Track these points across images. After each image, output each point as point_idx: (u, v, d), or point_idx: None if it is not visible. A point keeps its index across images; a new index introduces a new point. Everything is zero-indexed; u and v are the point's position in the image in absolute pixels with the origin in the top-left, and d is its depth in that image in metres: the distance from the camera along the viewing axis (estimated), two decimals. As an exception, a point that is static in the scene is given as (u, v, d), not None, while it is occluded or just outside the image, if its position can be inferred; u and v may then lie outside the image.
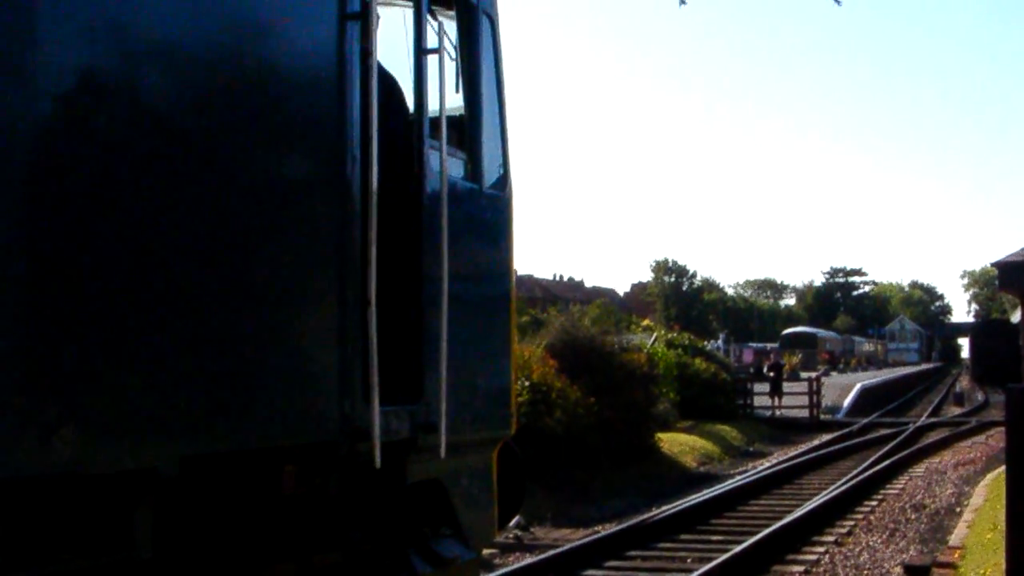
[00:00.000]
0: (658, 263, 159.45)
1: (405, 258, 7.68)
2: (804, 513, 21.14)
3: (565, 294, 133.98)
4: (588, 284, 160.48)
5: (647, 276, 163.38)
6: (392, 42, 8.08)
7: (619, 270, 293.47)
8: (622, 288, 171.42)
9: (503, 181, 9.09)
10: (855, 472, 28.38)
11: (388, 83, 7.97)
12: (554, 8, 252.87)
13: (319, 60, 6.80)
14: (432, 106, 7.84)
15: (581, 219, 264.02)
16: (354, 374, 6.81)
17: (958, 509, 22.97)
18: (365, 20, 7.05)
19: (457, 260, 7.91)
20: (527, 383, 25.91)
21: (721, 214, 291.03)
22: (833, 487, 25.34)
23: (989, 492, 23.44)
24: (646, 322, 64.91)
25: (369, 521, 7.77)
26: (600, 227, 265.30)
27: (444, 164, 7.73)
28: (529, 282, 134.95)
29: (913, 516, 22.43)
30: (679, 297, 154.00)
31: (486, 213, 8.82)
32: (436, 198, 7.70)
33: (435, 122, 7.77)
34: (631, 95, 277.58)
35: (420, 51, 7.83)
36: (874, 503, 24.19)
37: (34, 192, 4.82)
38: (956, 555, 17.01)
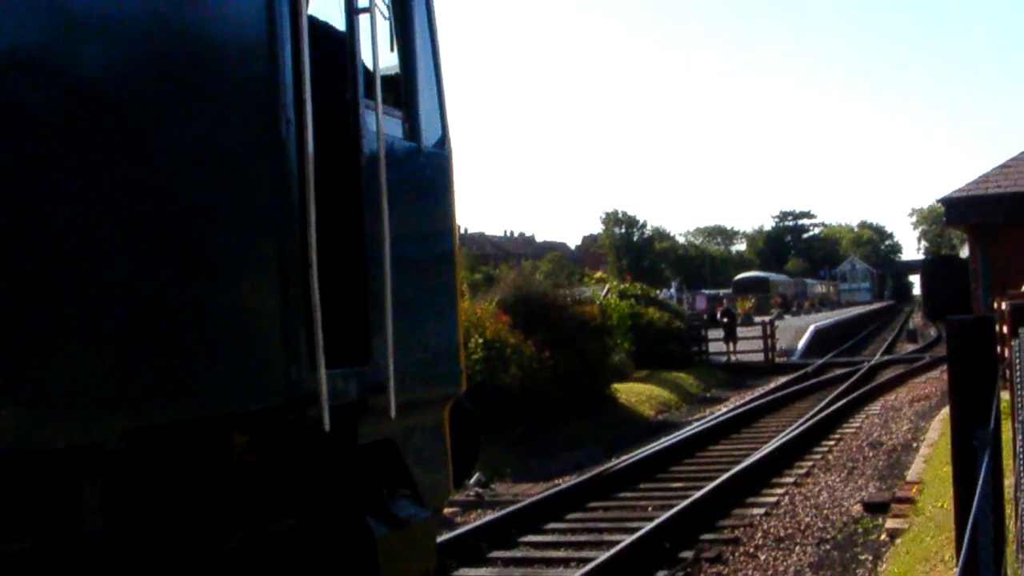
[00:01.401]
0: (608, 215, 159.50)
1: (346, 219, 7.63)
2: (762, 456, 21.28)
3: (517, 250, 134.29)
4: (539, 239, 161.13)
5: (598, 228, 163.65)
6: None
7: (570, 224, 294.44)
8: (573, 242, 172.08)
9: (442, 139, 9.04)
10: (812, 413, 28.57)
11: (334, 41, 7.89)
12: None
13: (248, 22, 6.71)
14: (367, 65, 7.77)
15: (530, 174, 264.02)
16: (299, 338, 6.76)
17: (914, 445, 23.19)
18: None
19: (398, 219, 7.86)
20: (481, 340, 25.95)
21: (669, 162, 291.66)
22: (790, 429, 25.52)
23: (944, 426, 23.62)
24: (598, 274, 65.15)
25: (323, 485, 7.75)
26: (549, 181, 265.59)
27: (380, 123, 7.67)
28: (480, 239, 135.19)
29: (870, 454, 22.62)
30: (630, 248, 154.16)
31: (426, 171, 8.77)
32: (374, 158, 7.65)
33: (370, 81, 7.71)
34: (575, 43, 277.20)
35: (352, 10, 7.76)
36: (831, 443, 24.38)
37: None
38: (914, 490, 17.17)
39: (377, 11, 7.90)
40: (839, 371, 43.99)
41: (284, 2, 6.89)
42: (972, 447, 6.43)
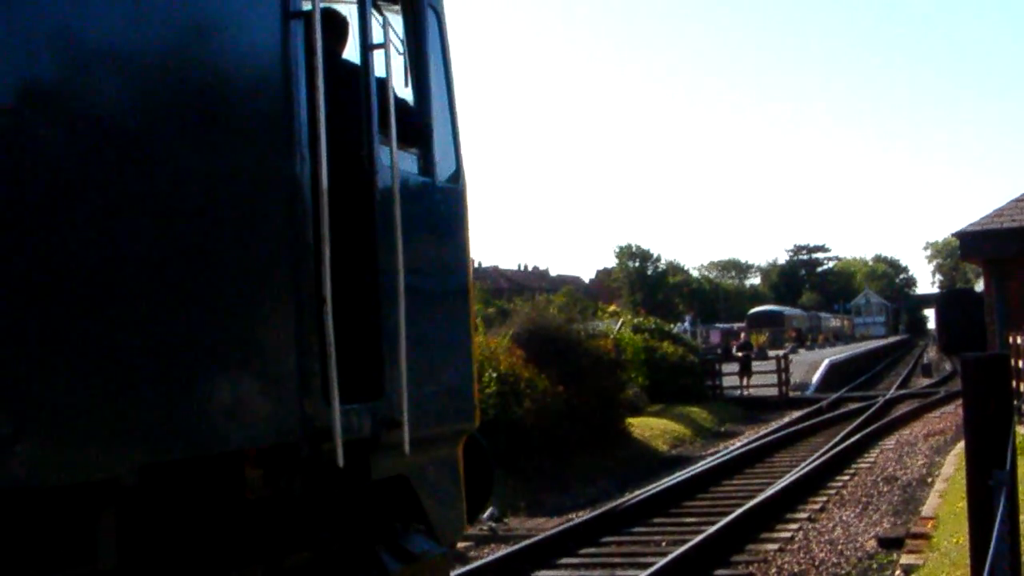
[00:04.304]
0: (622, 248, 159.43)
1: (361, 255, 7.65)
2: (776, 491, 21.22)
3: (531, 284, 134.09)
4: (553, 273, 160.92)
5: (611, 262, 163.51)
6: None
7: (584, 257, 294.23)
8: (587, 275, 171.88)
9: (457, 174, 9.07)
10: (826, 448, 28.49)
11: (348, 76, 7.93)
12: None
13: (264, 60, 6.76)
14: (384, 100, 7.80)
15: (544, 208, 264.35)
16: (313, 374, 6.78)
17: (929, 479, 23.09)
18: (308, 19, 7.02)
19: (413, 255, 7.88)
20: (495, 374, 25.93)
21: (683, 196, 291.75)
22: (804, 464, 25.45)
23: (959, 461, 23.52)
24: (612, 308, 65.00)
25: (337, 520, 7.75)
26: (563, 215, 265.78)
27: (395, 159, 7.69)
28: (494, 273, 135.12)
29: (885, 489, 22.54)
30: (644, 281, 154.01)
31: (440, 207, 8.80)
32: (389, 194, 7.67)
33: (385, 117, 7.74)
34: (589, 82, 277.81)
35: (366, 47, 7.80)
36: (846, 477, 24.30)
37: None
38: (929, 525, 17.10)
39: (392, 47, 7.94)
40: (854, 405, 43.83)
41: (299, 38, 6.93)
42: (988, 487, 6.42)
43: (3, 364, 4.81)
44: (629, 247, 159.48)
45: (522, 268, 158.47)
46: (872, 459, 27.42)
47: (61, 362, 5.08)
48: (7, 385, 4.82)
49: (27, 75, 5.06)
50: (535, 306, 38.37)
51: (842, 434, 31.67)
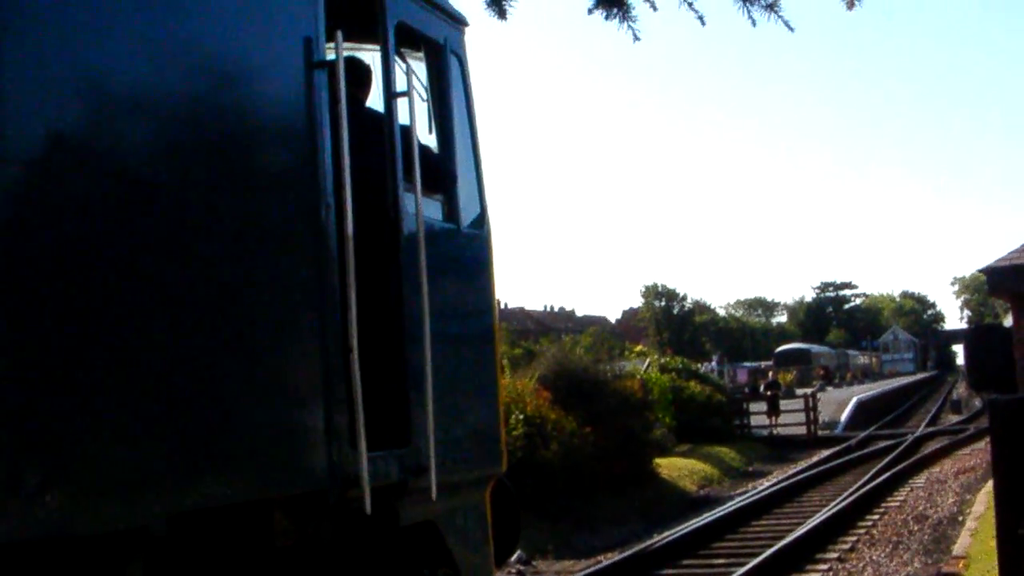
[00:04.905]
0: (648, 288, 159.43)
1: (386, 300, 7.69)
2: (806, 531, 21.11)
3: (557, 324, 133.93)
4: (579, 313, 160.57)
5: (638, 302, 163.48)
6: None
7: (610, 297, 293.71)
8: (613, 315, 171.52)
9: (481, 218, 9.11)
10: (855, 487, 28.33)
11: (373, 122, 7.98)
12: (535, 34, 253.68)
13: (288, 110, 6.83)
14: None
15: (569, 249, 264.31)
16: (340, 421, 6.81)
17: (960, 518, 22.94)
18: (332, 68, 7.08)
19: (438, 300, 7.92)
20: (521, 416, 25.88)
21: (708, 235, 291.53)
22: (834, 503, 25.31)
23: (991, 499, 23.36)
24: (639, 348, 64.93)
25: (365, 566, 7.76)
26: (589, 256, 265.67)
27: (419, 207, 7.73)
28: (520, 314, 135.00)
29: (916, 528, 22.41)
30: (671, 321, 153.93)
31: (465, 252, 8.84)
32: (413, 240, 7.71)
33: (409, 164, 7.78)
34: (616, 122, 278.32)
35: (389, 95, 7.86)
36: (876, 517, 24.16)
37: (4, 261, 4.82)
38: (960, 564, 16.99)
39: (415, 94, 8.00)
40: (883, 443, 43.60)
41: (323, 87, 7.00)
42: (1017, 535, 6.37)
43: (33, 414, 4.85)
44: (655, 286, 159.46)
45: (548, 309, 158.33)
46: (902, 497, 27.28)
47: (90, 412, 5.12)
48: (36, 435, 4.86)
49: (56, 125, 5.12)
50: (561, 347, 38.30)
51: (871, 472, 31.50)
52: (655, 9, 4.52)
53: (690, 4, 4.61)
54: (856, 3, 4.49)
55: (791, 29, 4.50)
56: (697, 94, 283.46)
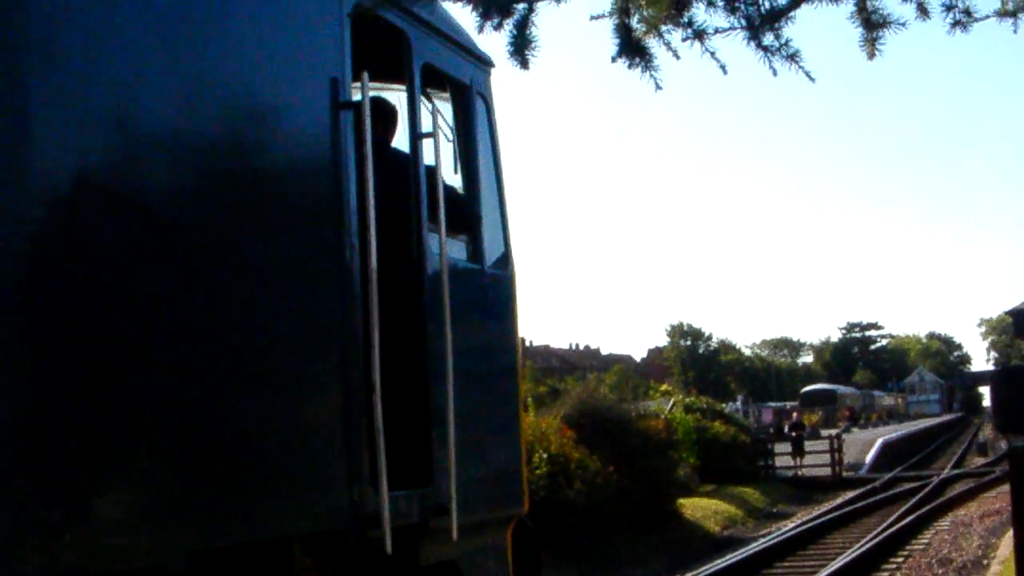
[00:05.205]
0: (673, 327, 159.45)
1: (409, 339, 7.71)
2: (829, 574, 21.01)
3: (582, 363, 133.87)
4: (605, 351, 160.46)
5: (663, 341, 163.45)
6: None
7: (635, 336, 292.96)
8: (639, 354, 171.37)
9: (505, 259, 9.13)
10: (880, 529, 28.18)
11: (398, 162, 8.02)
12: (559, 75, 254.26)
13: (314, 150, 6.87)
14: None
15: (595, 287, 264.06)
16: (361, 460, 6.83)
17: (985, 562, 22.81)
18: (358, 109, 7.12)
19: (461, 340, 7.93)
20: (545, 455, 25.84)
21: (734, 275, 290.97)
22: (858, 545, 25.17)
23: (1015, 543, 23.23)
24: (664, 387, 64.84)
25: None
26: (614, 294, 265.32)
27: (443, 247, 7.76)
28: (545, 352, 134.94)
29: (940, 571, 22.28)
30: (696, 360, 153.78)
31: (488, 292, 8.86)
32: (437, 280, 7.73)
33: (434, 205, 7.81)
34: (641, 162, 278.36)
35: (415, 135, 7.90)
36: (900, 560, 24.04)
37: (30, 301, 4.85)
38: (984, 609, 16.90)
39: (441, 134, 8.04)
40: (908, 485, 43.37)
41: (348, 128, 7.03)
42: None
43: (53, 453, 4.87)
44: (681, 325, 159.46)
45: (573, 347, 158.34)
46: (927, 540, 27.12)
47: (110, 450, 5.15)
48: (57, 473, 4.88)
49: (83, 165, 5.16)
50: (586, 386, 38.27)
51: (896, 515, 31.33)
52: (678, 58, 4.53)
53: (712, 54, 4.62)
54: (877, 53, 4.50)
55: (812, 79, 4.52)
56: (723, 133, 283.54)
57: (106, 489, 5.12)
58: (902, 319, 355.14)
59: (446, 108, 8.91)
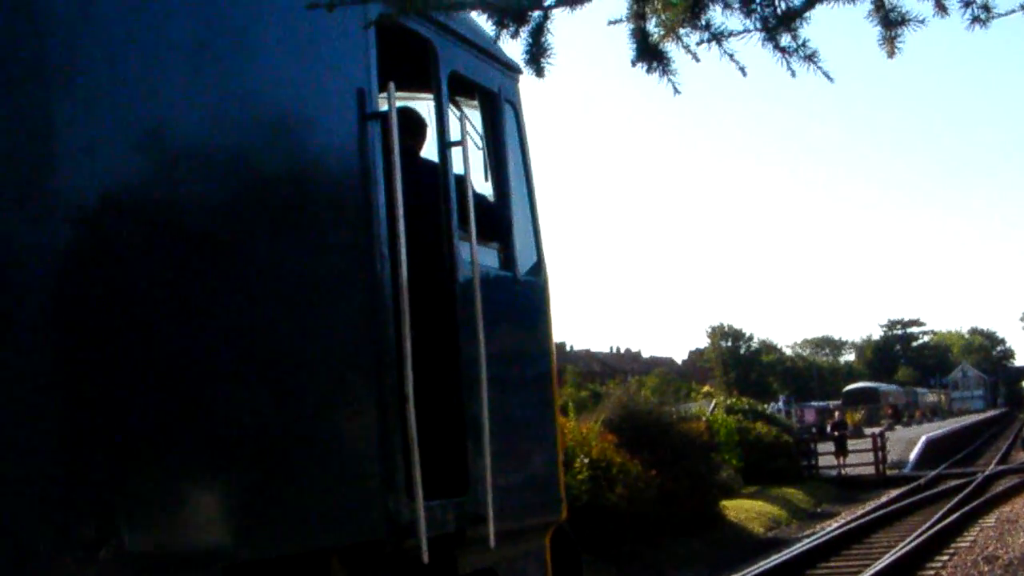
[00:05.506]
0: (714, 328, 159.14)
1: (442, 349, 7.71)
2: (874, 573, 20.91)
3: (623, 366, 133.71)
4: (645, 354, 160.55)
5: (704, 342, 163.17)
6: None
7: (676, 338, 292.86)
8: (680, 356, 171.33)
9: (537, 267, 9.12)
10: (924, 527, 28.02)
11: (427, 171, 8.03)
12: (593, 74, 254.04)
13: (342, 161, 6.89)
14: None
15: (635, 290, 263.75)
16: (396, 470, 6.83)
17: (1031, 558, 22.65)
18: (385, 119, 7.13)
19: (495, 348, 7.92)
20: (586, 460, 25.81)
21: (774, 274, 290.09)
22: (902, 544, 25.03)
23: (1062, 538, 23.11)
24: (706, 388, 64.80)
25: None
26: (654, 297, 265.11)
27: (475, 256, 7.75)
28: (586, 356, 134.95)
29: (986, 569, 22.12)
30: (737, 361, 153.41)
31: (521, 299, 8.85)
32: (469, 289, 7.73)
33: (464, 213, 7.81)
34: (680, 162, 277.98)
35: (443, 144, 7.90)
36: (945, 558, 23.87)
37: (60, 317, 4.87)
38: (1031, 606, 16.78)
39: (470, 142, 8.03)
40: (952, 483, 43.11)
41: (376, 138, 7.04)
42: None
43: (88, 470, 4.89)
44: (721, 327, 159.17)
45: (614, 351, 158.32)
46: (972, 538, 26.93)
47: (144, 465, 5.16)
48: (91, 490, 4.90)
49: (110, 182, 5.18)
50: (627, 389, 38.21)
51: (941, 512, 31.15)
52: (697, 60, 4.51)
53: (731, 56, 4.60)
54: (896, 51, 4.47)
55: (831, 80, 4.50)
56: (766, 134, 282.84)
57: (140, 504, 5.13)
58: (944, 315, 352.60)
59: (475, 116, 8.91)
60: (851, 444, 53.52)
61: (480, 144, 8.79)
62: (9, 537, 4.61)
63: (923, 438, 67.15)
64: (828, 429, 56.72)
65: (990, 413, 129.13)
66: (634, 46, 4.56)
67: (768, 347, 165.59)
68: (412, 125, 8.25)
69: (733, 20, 4.55)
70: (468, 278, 7.75)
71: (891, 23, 4.51)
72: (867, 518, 31.90)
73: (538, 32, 4.49)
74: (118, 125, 5.26)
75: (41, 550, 4.73)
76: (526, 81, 9.39)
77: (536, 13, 4.42)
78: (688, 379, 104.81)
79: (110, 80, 5.24)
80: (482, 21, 5.74)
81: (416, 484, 6.77)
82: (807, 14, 4.40)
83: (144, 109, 5.42)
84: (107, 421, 5.00)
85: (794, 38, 4.46)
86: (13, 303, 4.69)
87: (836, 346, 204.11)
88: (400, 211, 6.96)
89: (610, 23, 4.56)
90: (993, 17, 4.69)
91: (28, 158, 4.85)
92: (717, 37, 4.52)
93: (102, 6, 5.27)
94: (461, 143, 7.90)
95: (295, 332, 6.23)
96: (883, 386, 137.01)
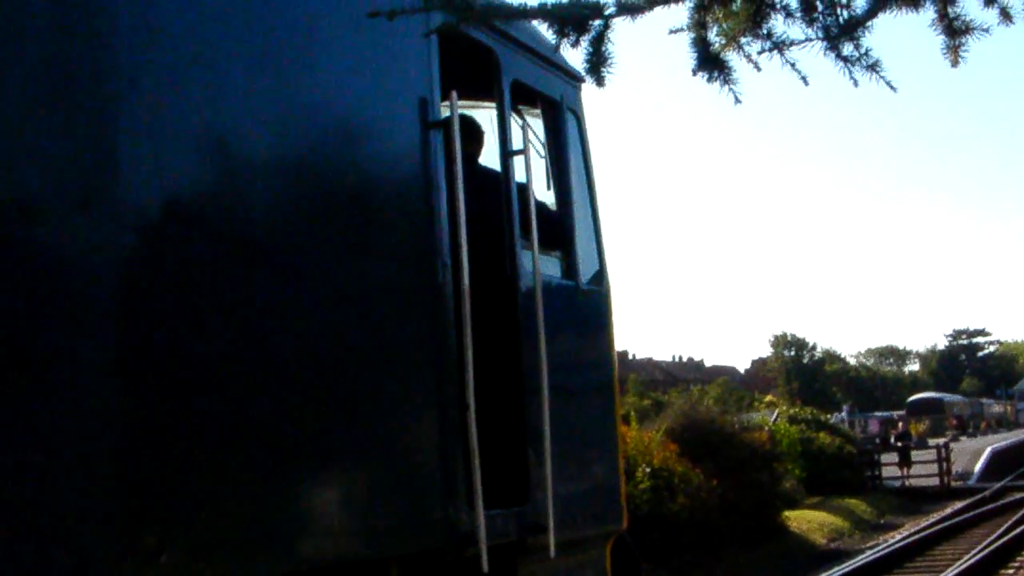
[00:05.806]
0: (777, 337, 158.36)
1: (504, 356, 7.71)
2: (938, 586, 20.75)
3: (685, 375, 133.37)
4: (708, 363, 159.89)
5: (767, 351, 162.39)
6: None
7: (738, 347, 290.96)
8: (742, 365, 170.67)
9: (600, 276, 9.10)
10: (990, 540, 27.76)
11: (489, 180, 8.03)
12: (655, 83, 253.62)
13: (404, 170, 6.90)
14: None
15: (698, 299, 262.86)
16: (457, 479, 6.83)
17: (1098, 572, 22.40)
18: (448, 128, 7.14)
19: (556, 357, 7.92)
20: (648, 469, 25.76)
21: (838, 283, 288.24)
22: (967, 556, 24.81)
23: None
24: (768, 398, 64.46)
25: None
26: (717, 305, 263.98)
27: (537, 264, 7.75)
28: (648, 365, 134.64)
29: (1052, 582, 21.92)
30: (800, 370, 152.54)
31: (583, 308, 8.84)
32: (531, 297, 7.73)
33: (527, 222, 7.81)
34: (743, 173, 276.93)
35: (506, 153, 7.90)
36: (1010, 572, 23.65)
37: (123, 325, 4.90)
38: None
39: (532, 150, 8.03)
40: (1018, 495, 42.68)
41: (438, 147, 7.05)
42: None
43: (150, 478, 4.92)
44: (784, 336, 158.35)
45: (676, 359, 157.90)
46: (1038, 551, 26.68)
47: (205, 473, 5.19)
48: (153, 498, 4.93)
49: (173, 191, 5.21)
50: (689, 398, 38.15)
51: (1007, 524, 30.85)
52: (759, 70, 4.49)
53: (792, 65, 4.57)
54: (960, 60, 4.44)
55: (893, 89, 4.46)
56: (830, 142, 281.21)
57: (200, 512, 5.15)
58: (1010, 325, 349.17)
59: (537, 124, 8.91)
60: (915, 455, 53.10)
61: (542, 153, 8.79)
62: (72, 544, 4.64)
63: (988, 449, 66.47)
64: (892, 440, 56.30)
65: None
66: (695, 55, 4.54)
67: (831, 356, 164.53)
68: (472, 132, 8.27)
69: (795, 29, 4.54)
70: (530, 286, 7.75)
71: (955, 31, 4.47)
72: (931, 530, 31.62)
73: (598, 41, 4.47)
74: (180, 135, 5.28)
75: (102, 556, 4.76)
76: (588, 89, 9.38)
77: (596, 22, 4.41)
78: (751, 388, 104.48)
79: (173, 89, 5.27)
80: (543, 29, 5.74)
81: (476, 493, 6.77)
82: (869, 23, 4.38)
83: (207, 118, 5.45)
84: (169, 428, 5.03)
85: (856, 47, 4.44)
86: (77, 310, 4.73)
87: (900, 356, 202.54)
88: (462, 219, 6.97)
89: (671, 32, 4.55)
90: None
91: (93, 166, 4.89)
92: (779, 46, 4.50)
93: (165, 15, 5.30)
94: (524, 151, 7.90)
95: (359, 341, 6.25)
96: (948, 396, 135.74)
